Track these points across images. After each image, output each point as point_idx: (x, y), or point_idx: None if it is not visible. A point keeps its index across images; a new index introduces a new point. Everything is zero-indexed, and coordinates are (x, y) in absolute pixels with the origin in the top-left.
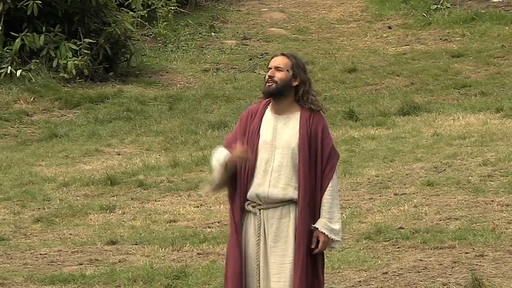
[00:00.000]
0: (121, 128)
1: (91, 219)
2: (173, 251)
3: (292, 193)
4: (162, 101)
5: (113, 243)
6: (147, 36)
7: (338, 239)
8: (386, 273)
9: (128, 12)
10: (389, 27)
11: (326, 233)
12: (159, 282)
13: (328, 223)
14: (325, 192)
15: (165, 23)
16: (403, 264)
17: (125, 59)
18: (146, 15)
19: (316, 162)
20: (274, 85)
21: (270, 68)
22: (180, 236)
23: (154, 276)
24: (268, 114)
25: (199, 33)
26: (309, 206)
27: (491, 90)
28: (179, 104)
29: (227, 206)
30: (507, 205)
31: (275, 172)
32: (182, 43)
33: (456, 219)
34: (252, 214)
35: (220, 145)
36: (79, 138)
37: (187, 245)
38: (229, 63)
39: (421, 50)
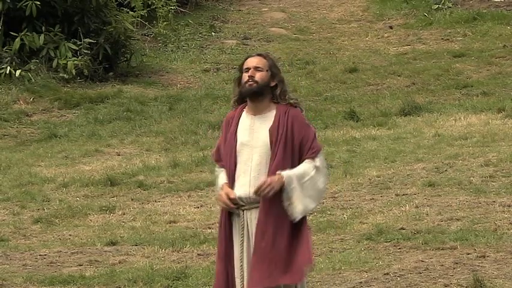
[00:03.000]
0: (121, 128)
1: (91, 220)
2: (173, 251)
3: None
4: (162, 101)
5: (113, 244)
6: (147, 36)
7: (293, 201)
8: (387, 274)
9: (127, 12)
10: (391, 27)
11: (283, 175)
12: (159, 283)
13: (293, 175)
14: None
15: (165, 22)
16: (405, 265)
17: (125, 59)
18: (146, 15)
19: (293, 157)
20: (255, 84)
21: (248, 69)
22: (180, 237)
23: (154, 277)
24: (244, 117)
25: (200, 33)
26: (274, 203)
27: (493, 91)
28: (179, 104)
29: None
30: (509, 206)
31: (254, 171)
32: (182, 43)
33: (458, 220)
34: (235, 215)
35: (217, 167)
36: (79, 138)
37: (188, 245)
38: (229, 63)
39: (422, 50)
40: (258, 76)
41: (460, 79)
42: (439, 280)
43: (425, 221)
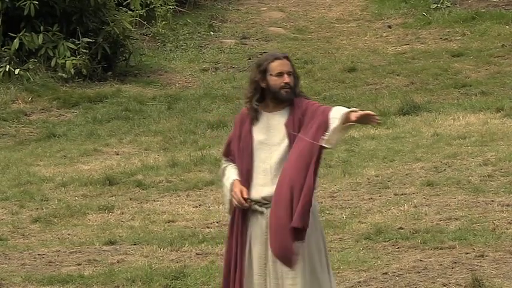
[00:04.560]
0: (119, 127)
1: (89, 220)
2: (172, 251)
3: None
4: (161, 100)
5: (112, 243)
6: (146, 35)
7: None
8: (386, 273)
9: (126, 12)
10: (389, 27)
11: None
12: (157, 283)
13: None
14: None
15: (163, 22)
16: (403, 264)
17: (124, 58)
18: (145, 15)
19: (316, 140)
20: (290, 91)
21: (281, 73)
22: (179, 236)
23: (153, 276)
24: (260, 114)
25: (198, 33)
26: (288, 201)
27: (492, 90)
28: (178, 104)
29: (226, 206)
30: (507, 205)
31: (275, 170)
32: (181, 42)
33: (456, 219)
34: (258, 213)
35: (223, 160)
36: (77, 138)
37: (186, 245)
38: (228, 62)
39: (421, 49)
40: (291, 81)
41: (458, 78)
42: (438, 280)
43: (424, 220)
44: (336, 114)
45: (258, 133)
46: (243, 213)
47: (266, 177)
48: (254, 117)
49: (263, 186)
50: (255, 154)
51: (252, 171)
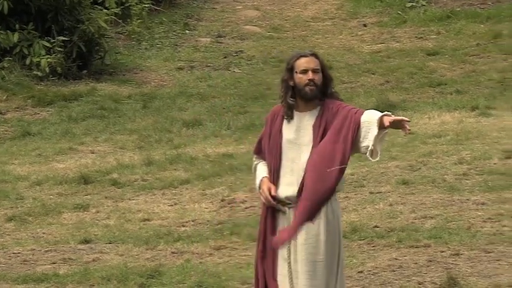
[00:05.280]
0: (95, 126)
1: (64, 218)
2: (147, 250)
3: None
4: (136, 99)
5: (87, 242)
6: (121, 34)
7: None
8: (361, 272)
9: (101, 10)
10: (365, 25)
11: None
12: (133, 281)
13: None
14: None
15: (139, 20)
16: (378, 263)
17: (99, 56)
18: (120, 13)
19: (345, 144)
20: (315, 88)
21: (305, 70)
22: (154, 235)
23: (128, 275)
24: (293, 114)
25: (174, 31)
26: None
27: (467, 89)
28: (153, 102)
29: (201, 205)
30: (482, 204)
31: (303, 170)
32: (156, 41)
33: (431, 218)
34: (281, 213)
35: (254, 157)
36: (52, 136)
37: (162, 243)
38: (203, 61)
39: (396, 48)
40: (317, 79)
41: (434, 77)
42: (413, 278)
43: (399, 219)
44: (369, 118)
45: (288, 132)
46: (272, 210)
47: (292, 177)
48: (288, 115)
49: (288, 186)
50: (283, 153)
51: (280, 170)
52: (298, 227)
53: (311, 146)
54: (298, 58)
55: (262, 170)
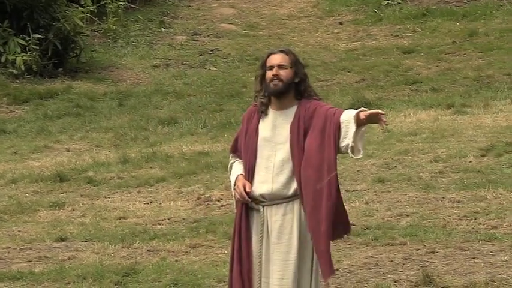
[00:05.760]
0: (70, 124)
1: (40, 216)
2: (123, 248)
3: (295, 189)
4: (112, 97)
5: (62, 240)
6: (97, 31)
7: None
8: (337, 270)
9: (77, 8)
10: (340, 23)
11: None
12: (108, 279)
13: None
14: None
15: (114, 18)
16: (354, 261)
17: (75, 54)
18: (96, 11)
19: (322, 144)
20: (280, 83)
21: (271, 67)
22: (130, 233)
23: (104, 273)
24: (268, 110)
25: (149, 29)
26: (313, 200)
27: (442, 87)
28: (129, 100)
29: (177, 203)
30: (458, 202)
31: (277, 168)
32: (132, 39)
33: (407, 215)
34: (254, 211)
35: (231, 156)
36: (28, 134)
37: (137, 242)
38: (179, 59)
39: (372, 46)
40: (283, 74)
41: (409, 75)
42: (389, 276)
43: (375, 217)
44: (347, 117)
45: (264, 130)
46: (246, 208)
47: (267, 175)
48: (262, 110)
49: (263, 184)
50: (259, 151)
51: (255, 168)
52: (327, 253)
53: (287, 144)
54: (268, 55)
55: (238, 168)
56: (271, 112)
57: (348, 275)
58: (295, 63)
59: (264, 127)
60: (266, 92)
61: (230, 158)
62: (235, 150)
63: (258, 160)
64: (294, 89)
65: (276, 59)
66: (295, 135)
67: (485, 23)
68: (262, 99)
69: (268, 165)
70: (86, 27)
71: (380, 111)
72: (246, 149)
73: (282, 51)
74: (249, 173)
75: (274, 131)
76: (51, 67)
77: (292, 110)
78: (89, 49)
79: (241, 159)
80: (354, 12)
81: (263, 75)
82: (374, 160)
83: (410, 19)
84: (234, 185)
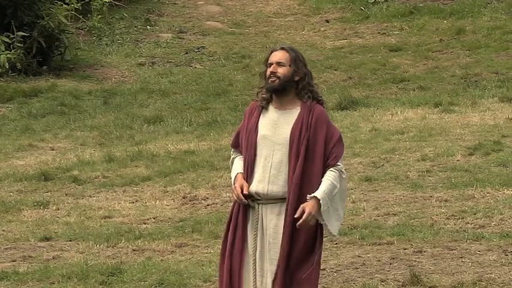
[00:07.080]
0: (55, 122)
1: (24, 215)
2: (108, 247)
3: None
4: (97, 95)
5: (47, 239)
6: (82, 29)
7: (329, 219)
8: (324, 269)
9: (61, 5)
10: (327, 21)
11: (319, 198)
12: (93, 279)
13: (325, 195)
14: (325, 177)
15: (99, 16)
16: (341, 260)
17: (59, 52)
18: (80, 8)
19: (314, 158)
20: (277, 81)
21: (271, 64)
22: (115, 232)
23: (89, 272)
24: (270, 109)
25: (135, 27)
26: (299, 202)
27: (430, 85)
28: (114, 99)
29: (162, 202)
30: (445, 200)
31: (274, 169)
32: (117, 36)
33: (394, 215)
34: (250, 209)
35: (232, 151)
36: (12, 133)
37: (123, 241)
38: (165, 57)
39: (359, 44)
40: (281, 72)
41: (396, 73)
42: (376, 275)
43: (362, 216)
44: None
45: (264, 128)
46: (244, 206)
47: (264, 174)
48: (263, 106)
49: (259, 182)
50: (258, 148)
51: (254, 165)
52: None
53: (286, 147)
54: (271, 52)
55: (238, 164)
56: (273, 110)
57: (335, 274)
58: (295, 61)
59: (265, 125)
60: (265, 88)
61: (231, 152)
62: (236, 145)
63: (257, 158)
64: (295, 88)
65: (276, 56)
66: (296, 137)
67: (472, 21)
68: (264, 95)
69: (266, 165)
70: (71, 25)
71: (304, 216)
72: (246, 145)
73: (282, 49)
74: (248, 170)
75: (275, 130)
76: (36, 65)
77: (296, 112)
78: (73, 47)
79: (241, 154)
80: (341, 10)
81: (265, 72)
82: (361, 159)
83: (397, 17)
84: (233, 184)
